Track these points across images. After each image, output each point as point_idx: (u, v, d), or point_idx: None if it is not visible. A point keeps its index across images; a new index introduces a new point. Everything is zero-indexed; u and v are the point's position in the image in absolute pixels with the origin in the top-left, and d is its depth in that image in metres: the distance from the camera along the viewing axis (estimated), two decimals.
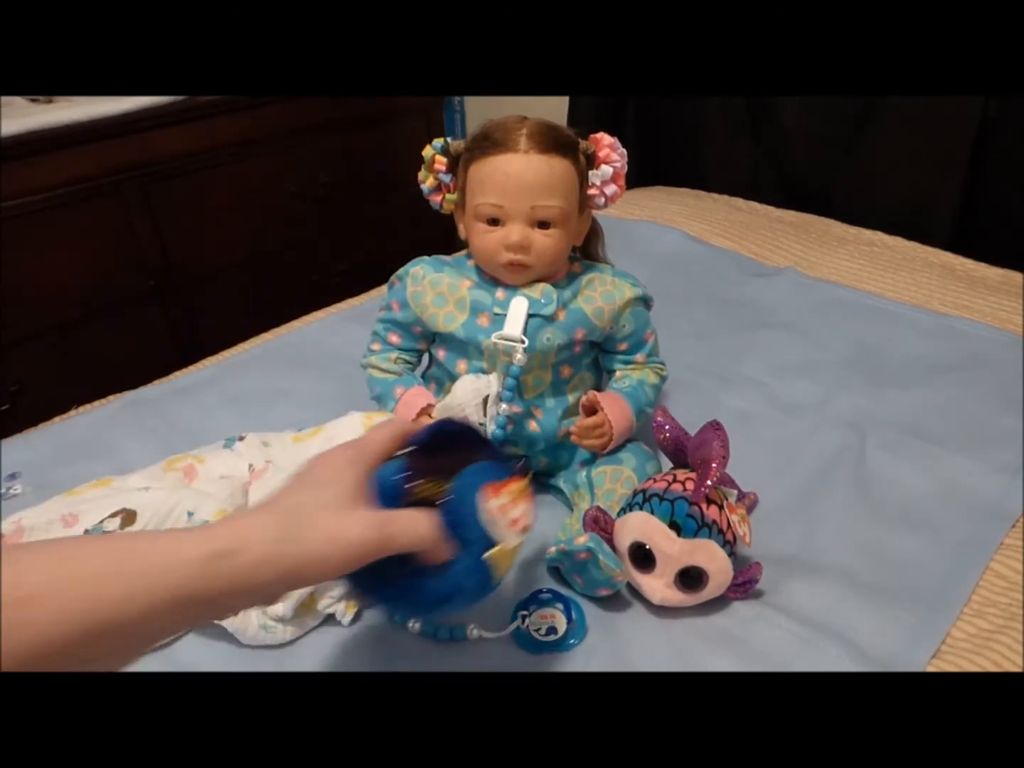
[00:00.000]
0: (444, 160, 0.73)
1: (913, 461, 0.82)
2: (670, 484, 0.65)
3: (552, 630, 0.63)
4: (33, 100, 1.31)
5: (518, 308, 0.72)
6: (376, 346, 0.82)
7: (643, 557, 0.64)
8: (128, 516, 0.64)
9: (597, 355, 0.81)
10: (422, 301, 0.76)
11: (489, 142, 0.69)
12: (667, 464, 0.73)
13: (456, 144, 0.73)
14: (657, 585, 0.64)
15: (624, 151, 0.74)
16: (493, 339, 0.72)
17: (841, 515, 0.75)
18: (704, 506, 0.63)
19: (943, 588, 0.67)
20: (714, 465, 0.62)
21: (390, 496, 0.45)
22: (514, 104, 0.90)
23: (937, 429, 0.86)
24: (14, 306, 1.28)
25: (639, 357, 0.80)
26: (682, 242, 1.31)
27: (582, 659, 0.61)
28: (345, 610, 0.64)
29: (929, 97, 1.22)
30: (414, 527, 0.44)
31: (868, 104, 1.31)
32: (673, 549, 0.62)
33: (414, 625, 0.63)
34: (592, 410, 0.74)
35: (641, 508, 0.65)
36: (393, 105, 1.72)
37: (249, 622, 0.61)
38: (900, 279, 1.16)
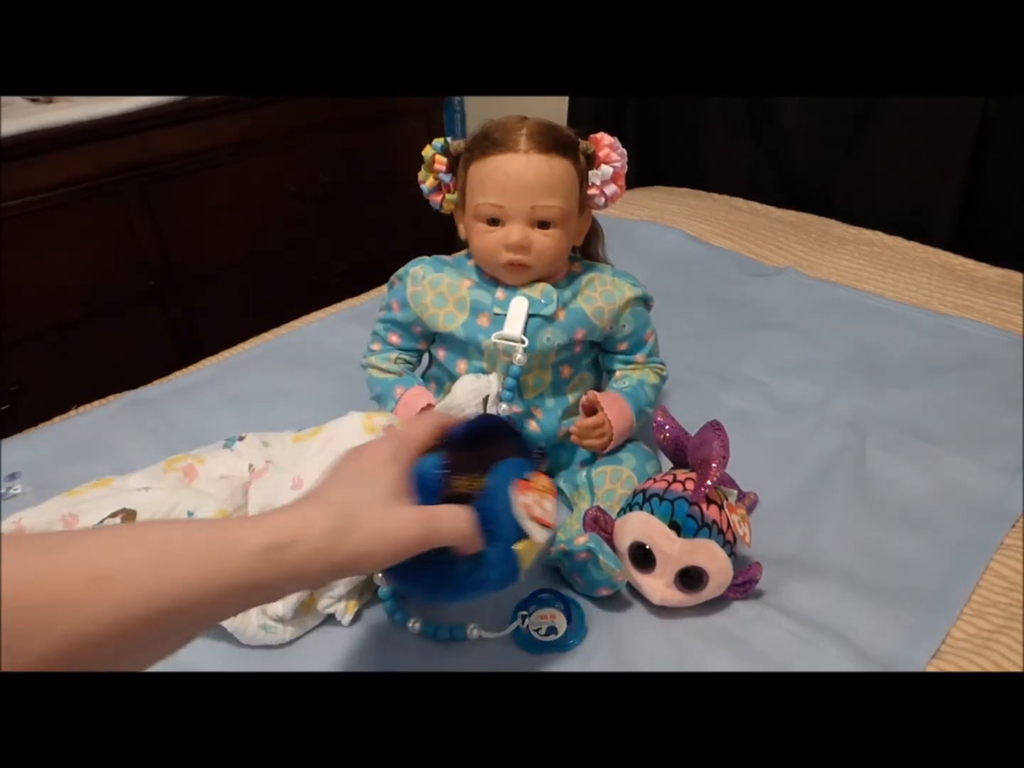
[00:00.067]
0: (444, 160, 0.73)
1: (913, 461, 0.82)
2: (670, 484, 0.65)
3: (552, 630, 0.63)
4: (33, 100, 1.31)
5: (518, 308, 0.73)
6: (376, 346, 0.82)
7: (643, 557, 0.64)
8: (128, 516, 0.64)
9: (597, 355, 0.81)
10: (422, 301, 0.76)
11: (489, 142, 0.69)
12: (667, 464, 0.73)
13: (456, 144, 0.73)
14: (657, 585, 0.64)
15: (624, 151, 0.74)
16: (493, 339, 0.72)
17: (841, 515, 0.75)
18: (704, 506, 0.63)
19: (943, 588, 0.67)
20: (714, 465, 0.62)
21: (430, 491, 0.48)
22: (514, 104, 0.90)
23: (937, 429, 0.86)
24: (14, 306, 1.28)
25: (639, 357, 0.80)
26: (682, 242, 1.31)
27: (582, 659, 0.61)
28: (345, 610, 0.64)
29: (929, 97, 1.22)
30: (456, 523, 0.47)
31: (868, 104, 1.31)
32: (673, 549, 0.62)
33: (414, 625, 0.63)
34: (592, 410, 0.74)
35: (641, 508, 0.65)
36: (393, 105, 1.72)
37: (249, 622, 0.61)
38: (900, 279, 1.16)
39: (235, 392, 0.96)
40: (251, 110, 1.49)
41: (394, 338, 0.80)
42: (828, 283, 1.17)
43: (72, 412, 0.95)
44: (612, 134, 0.74)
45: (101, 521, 0.64)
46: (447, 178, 0.74)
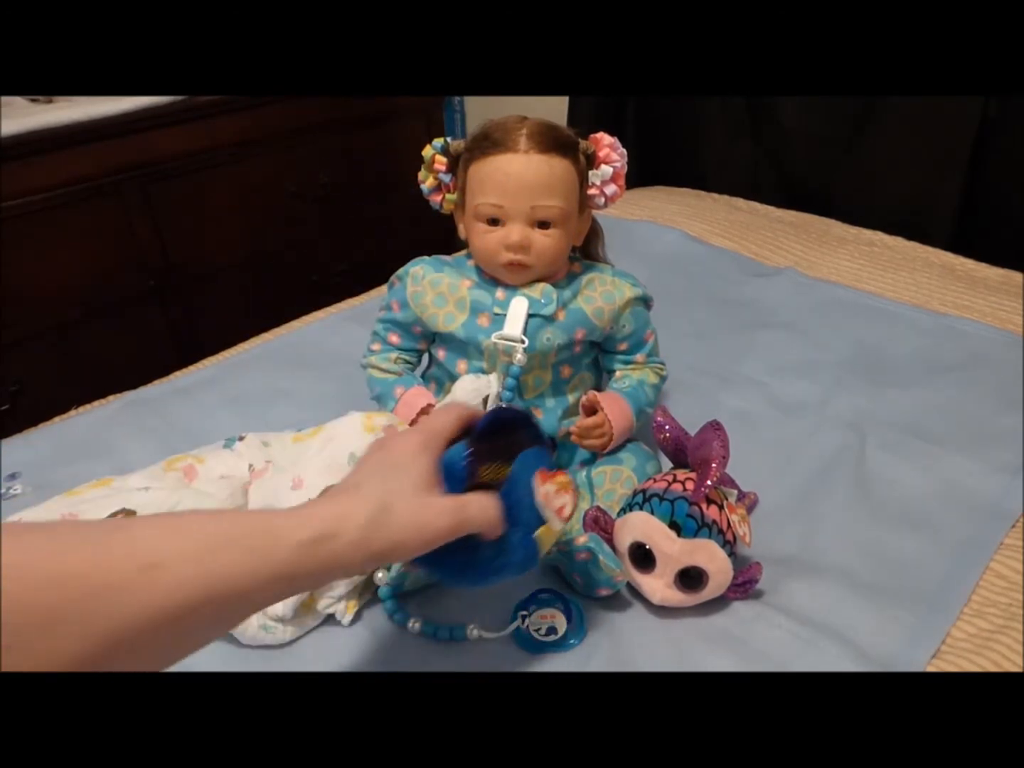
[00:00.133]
0: (444, 160, 0.73)
1: (913, 461, 0.81)
2: (670, 484, 0.65)
3: (552, 630, 0.63)
4: (33, 100, 1.31)
5: (518, 308, 0.73)
6: (376, 346, 0.82)
7: (643, 557, 0.64)
8: (128, 516, 0.64)
9: (597, 355, 0.81)
10: (422, 301, 0.76)
11: (489, 142, 0.69)
12: (667, 464, 0.73)
13: (456, 144, 0.73)
14: (657, 585, 0.64)
15: (624, 151, 0.74)
16: (493, 339, 0.72)
17: (841, 515, 0.75)
18: (704, 506, 0.63)
19: (943, 588, 0.67)
20: (714, 465, 0.62)
21: (457, 479, 0.50)
22: (514, 104, 0.90)
23: (937, 429, 0.86)
24: (14, 306, 1.28)
25: (639, 357, 0.80)
26: (682, 242, 1.31)
27: (582, 659, 0.61)
28: (345, 610, 0.64)
29: (929, 97, 1.22)
30: (485, 511, 0.49)
31: (868, 104, 1.31)
32: (673, 549, 0.62)
33: (414, 625, 0.63)
34: (592, 410, 0.74)
35: (641, 508, 0.65)
36: (393, 105, 1.72)
37: (249, 622, 0.61)
38: (900, 279, 1.16)
39: (235, 392, 0.96)
40: (251, 110, 1.49)
41: (394, 338, 0.80)
42: (828, 283, 1.17)
43: (72, 412, 0.95)
44: (612, 134, 0.74)
45: None
46: (447, 178, 0.74)
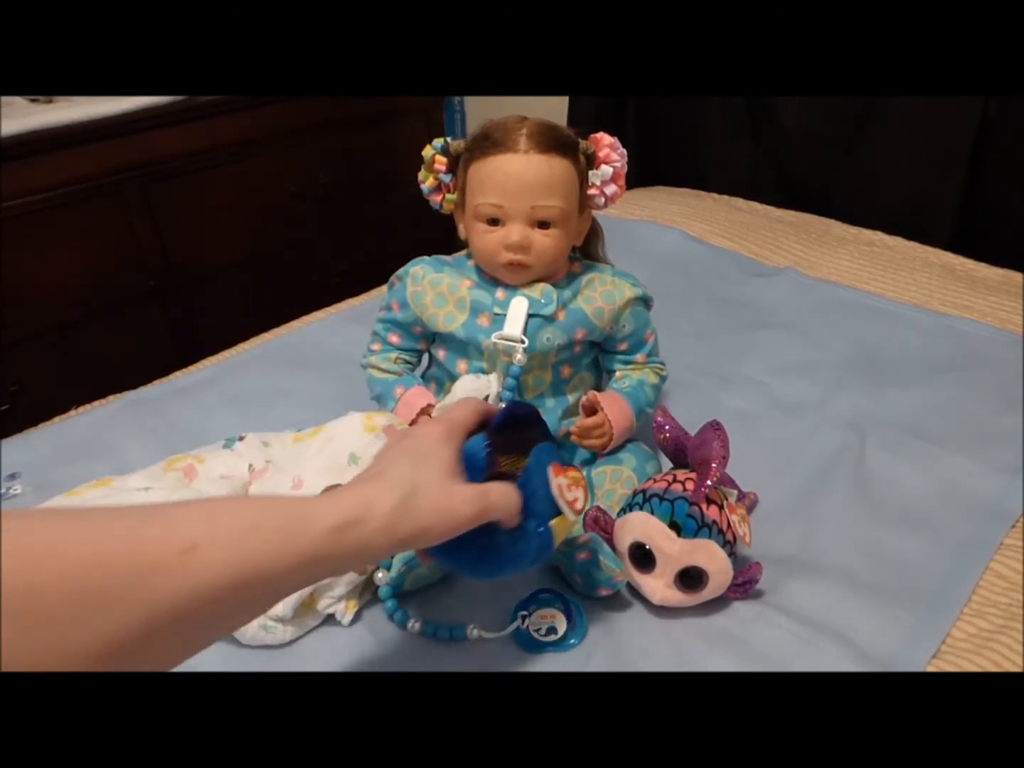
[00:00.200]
0: (444, 160, 0.73)
1: (913, 461, 0.81)
2: (670, 484, 0.65)
3: (552, 630, 0.63)
4: (33, 100, 1.31)
5: (518, 308, 0.73)
6: (376, 346, 0.82)
7: (643, 557, 0.64)
8: None
9: (597, 355, 0.81)
10: (422, 301, 0.76)
11: (489, 142, 0.69)
12: (667, 464, 0.73)
13: (456, 144, 0.73)
14: (657, 585, 0.64)
15: (624, 151, 0.74)
16: (493, 339, 0.72)
17: (841, 515, 0.75)
18: (704, 506, 0.63)
19: (943, 588, 0.67)
20: (714, 465, 0.62)
21: (478, 469, 0.51)
22: (514, 104, 0.90)
23: (937, 429, 0.86)
24: (14, 306, 1.28)
25: (639, 357, 0.80)
26: (682, 242, 1.31)
27: (582, 659, 0.61)
28: (345, 610, 0.64)
29: (929, 97, 1.22)
30: (506, 499, 0.50)
31: (868, 104, 1.31)
32: (673, 549, 0.62)
33: (414, 625, 0.63)
34: (592, 410, 0.74)
35: (641, 508, 0.65)
36: (393, 105, 1.72)
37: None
38: (900, 279, 1.16)
39: (235, 392, 0.96)
40: (251, 110, 1.49)
41: (394, 338, 0.80)
42: (828, 283, 1.17)
43: (72, 412, 0.95)
44: (612, 134, 0.74)
45: None
46: (447, 178, 0.74)
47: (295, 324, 1.14)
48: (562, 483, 0.55)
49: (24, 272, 1.28)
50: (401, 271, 0.79)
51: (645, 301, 0.80)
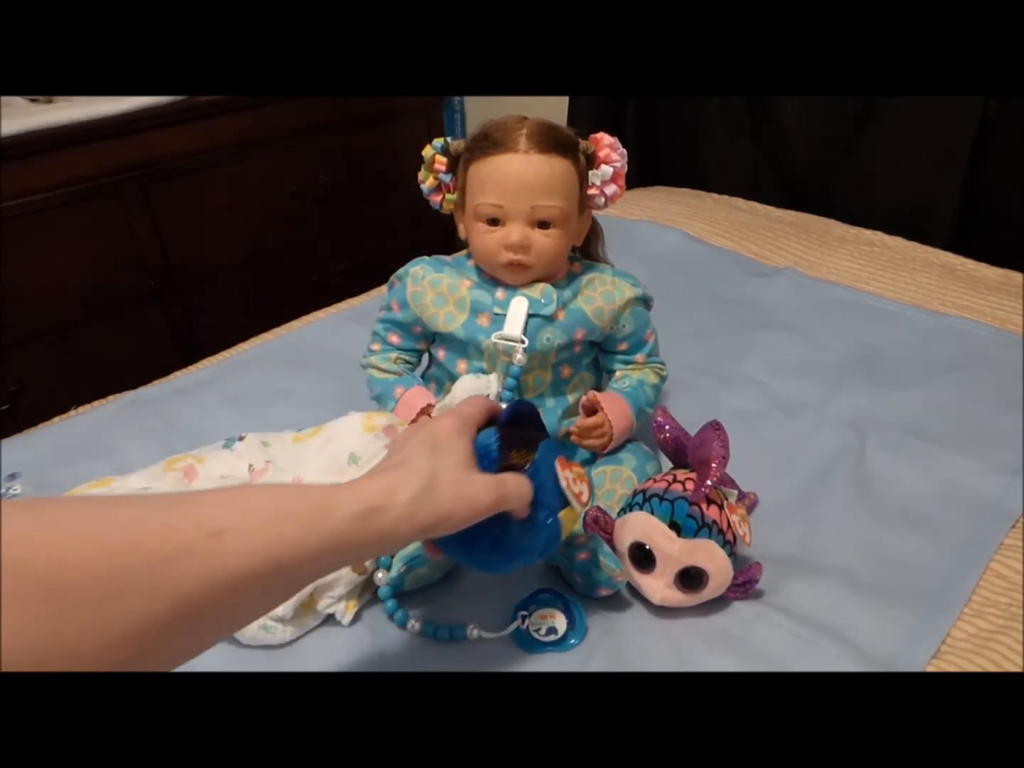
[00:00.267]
0: (444, 160, 0.73)
1: (913, 461, 0.81)
2: (670, 484, 0.65)
3: (552, 630, 0.63)
4: (33, 100, 1.31)
5: (518, 308, 0.73)
6: (376, 346, 0.82)
7: (643, 557, 0.64)
8: None
9: (597, 355, 0.81)
10: (422, 301, 0.76)
11: (489, 142, 0.69)
12: (667, 464, 0.73)
13: (456, 144, 0.73)
14: (657, 585, 0.64)
15: (624, 151, 0.74)
16: (493, 339, 0.72)
17: (841, 515, 0.75)
18: (704, 506, 0.63)
19: (943, 588, 0.67)
20: (714, 465, 0.62)
21: (490, 461, 0.53)
22: (514, 104, 0.90)
23: (937, 429, 0.86)
24: (14, 306, 1.28)
25: (639, 357, 0.80)
26: (682, 242, 1.31)
27: (582, 659, 0.61)
28: (345, 610, 0.64)
29: (929, 97, 1.22)
30: (520, 489, 0.52)
31: (868, 104, 1.31)
32: (673, 549, 0.62)
33: (414, 625, 0.63)
34: (592, 410, 0.74)
35: (641, 508, 0.65)
36: (393, 105, 1.72)
37: None
38: (900, 279, 1.16)
39: (235, 392, 0.96)
40: (251, 110, 1.49)
41: (394, 338, 0.80)
42: (828, 283, 1.17)
43: (72, 412, 0.95)
44: (612, 134, 0.74)
45: None
46: (447, 178, 0.74)
47: (295, 324, 1.14)
48: (569, 476, 0.56)
49: (24, 272, 1.28)
50: (401, 271, 0.79)
51: (645, 301, 0.80)
